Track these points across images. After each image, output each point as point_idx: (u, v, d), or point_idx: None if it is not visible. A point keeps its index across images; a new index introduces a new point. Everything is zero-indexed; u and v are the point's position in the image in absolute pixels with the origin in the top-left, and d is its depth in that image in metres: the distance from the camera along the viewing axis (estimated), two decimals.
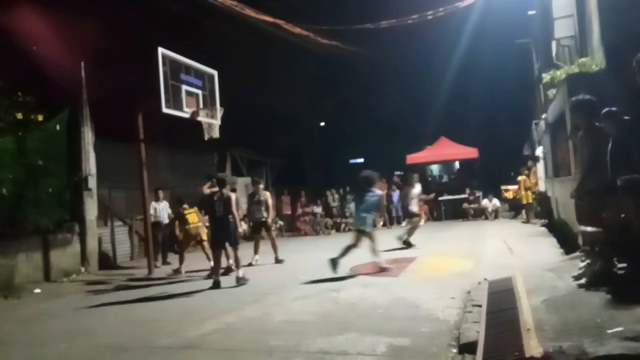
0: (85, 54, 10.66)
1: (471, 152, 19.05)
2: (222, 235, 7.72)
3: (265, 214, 9.69)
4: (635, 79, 6.02)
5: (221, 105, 10.25)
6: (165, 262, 10.60)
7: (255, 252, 9.58)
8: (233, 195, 7.99)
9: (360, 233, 7.79)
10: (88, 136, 10.61)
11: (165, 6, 12.72)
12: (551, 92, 8.81)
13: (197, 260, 9.57)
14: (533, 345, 3.32)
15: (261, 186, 10.23)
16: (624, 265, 4.69)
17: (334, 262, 7.51)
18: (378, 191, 8.18)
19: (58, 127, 9.89)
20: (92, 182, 10.60)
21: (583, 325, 3.57)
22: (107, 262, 11.04)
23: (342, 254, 7.65)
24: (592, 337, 3.28)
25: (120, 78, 11.16)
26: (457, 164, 24.13)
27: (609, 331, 3.32)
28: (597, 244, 4.82)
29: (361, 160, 29.77)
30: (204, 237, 9.37)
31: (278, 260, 9.45)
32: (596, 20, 7.17)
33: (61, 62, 10.21)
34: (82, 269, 10.14)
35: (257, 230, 9.86)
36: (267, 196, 9.89)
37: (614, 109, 4.73)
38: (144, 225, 10.00)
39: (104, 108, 11.11)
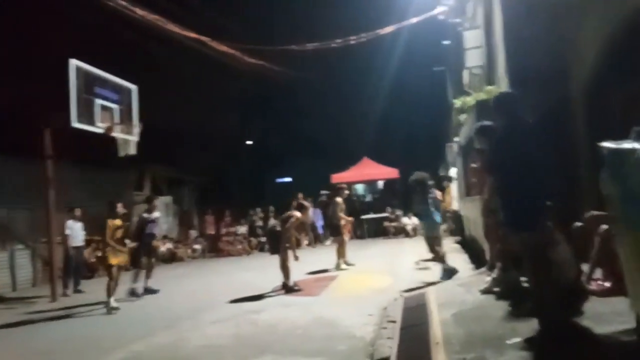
0: None
1: (392, 172, 19.76)
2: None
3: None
4: (536, 105, 6.64)
5: (141, 121, 9.82)
6: (76, 290, 9.63)
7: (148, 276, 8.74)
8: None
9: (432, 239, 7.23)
10: None
11: (83, 17, 12.09)
12: (462, 117, 9.40)
13: (101, 285, 8.98)
14: (440, 359, 3.44)
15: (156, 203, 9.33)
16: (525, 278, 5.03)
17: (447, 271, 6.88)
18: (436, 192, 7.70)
19: None
20: None
21: (486, 337, 3.75)
22: (4, 289, 10.04)
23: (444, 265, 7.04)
24: (493, 348, 3.46)
25: (26, 89, 10.40)
26: (380, 184, 24.91)
27: (508, 342, 3.52)
28: (501, 259, 5.14)
29: (289, 179, 29.88)
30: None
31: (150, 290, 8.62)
32: (502, 52, 7.78)
33: None
34: None
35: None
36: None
37: (486, 123, 5.01)
38: (49, 248, 9.22)
39: (5, 121, 10.28)
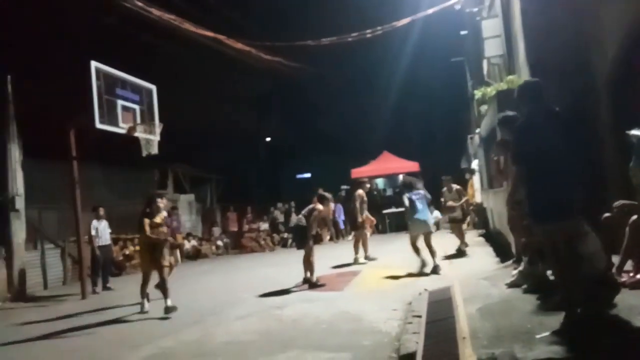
0: (13, 67, 10.08)
1: (412, 166, 19.59)
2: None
3: None
4: (558, 95, 6.49)
5: (161, 121, 9.96)
6: (105, 287, 9.83)
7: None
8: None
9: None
10: (15, 154, 9.96)
11: (101, 20, 12.30)
12: (483, 108, 9.26)
13: (129, 282, 9.14)
14: (467, 354, 3.41)
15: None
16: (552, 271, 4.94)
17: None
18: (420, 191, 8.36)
19: None
20: (20, 203, 9.94)
21: (514, 331, 3.70)
22: (36, 287, 10.34)
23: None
24: (522, 343, 3.41)
25: (51, 93, 10.64)
26: (401, 178, 24.75)
27: (537, 336, 3.47)
28: (527, 252, 5.06)
29: (308, 175, 29.94)
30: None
31: None
32: (521, 41, 7.63)
33: None
34: (8, 296, 9.43)
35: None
36: None
37: (509, 113, 4.91)
38: (78, 247, 9.44)
39: (34, 124, 10.55)
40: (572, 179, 3.69)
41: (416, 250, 8.04)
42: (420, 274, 7.58)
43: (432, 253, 7.95)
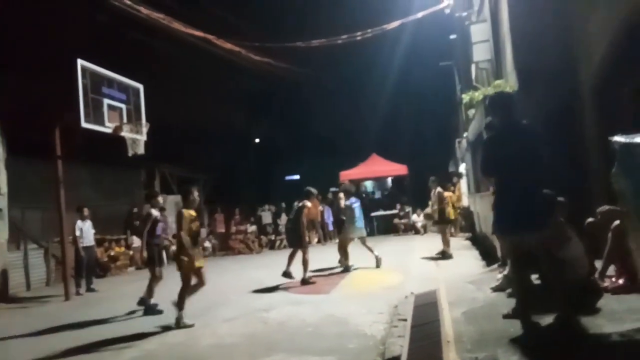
0: None
1: (401, 169, 19.69)
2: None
3: None
4: (544, 100, 6.56)
5: (149, 120, 9.86)
6: (89, 289, 9.66)
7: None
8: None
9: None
10: None
11: (89, 17, 12.17)
12: (471, 112, 9.32)
13: (114, 284, 9.06)
14: (452, 357, 3.42)
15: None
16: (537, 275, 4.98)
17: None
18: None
19: None
20: (3, 202, 9.75)
21: (498, 335, 3.72)
22: (18, 288, 10.16)
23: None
24: (505, 347, 3.43)
25: (36, 91, 10.48)
26: (389, 181, 24.84)
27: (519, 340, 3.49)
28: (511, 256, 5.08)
29: (297, 177, 29.89)
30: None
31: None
32: (509, 46, 7.70)
33: None
34: None
35: None
36: None
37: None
38: (62, 247, 9.29)
39: (19, 122, 10.37)
40: (538, 192, 3.74)
41: (345, 253, 9.11)
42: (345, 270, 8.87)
43: (370, 249, 9.19)
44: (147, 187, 16.64)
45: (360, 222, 9.27)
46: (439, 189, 10.42)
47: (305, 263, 8.09)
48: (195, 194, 6.33)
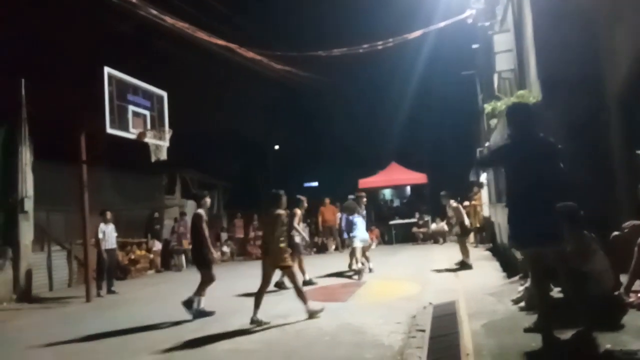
0: (26, 71, 10.22)
1: (420, 178, 19.55)
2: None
3: None
4: (569, 111, 6.47)
5: (171, 127, 10.05)
6: (110, 291, 9.81)
7: None
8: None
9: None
10: (26, 156, 10.08)
11: (115, 26, 12.47)
12: (493, 122, 9.23)
13: (134, 287, 9.18)
14: None
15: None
16: (559, 289, 4.88)
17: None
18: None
19: None
20: (29, 205, 10.03)
21: (519, 349, 3.65)
22: (42, 289, 10.39)
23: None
24: None
25: (63, 97, 10.76)
26: (408, 189, 24.68)
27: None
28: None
29: (315, 183, 29.96)
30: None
31: None
32: (533, 56, 7.62)
33: None
34: (14, 297, 9.49)
35: None
36: None
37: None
38: (84, 250, 9.49)
39: (45, 127, 10.66)
40: (552, 205, 3.72)
41: (358, 259, 9.47)
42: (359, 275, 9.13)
43: (367, 259, 9.97)
44: (168, 192, 16.88)
45: (363, 233, 9.86)
46: (453, 203, 10.36)
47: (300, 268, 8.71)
48: (208, 199, 7.25)
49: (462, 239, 9.99)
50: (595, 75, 6.63)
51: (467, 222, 10.52)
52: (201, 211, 7.05)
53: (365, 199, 10.98)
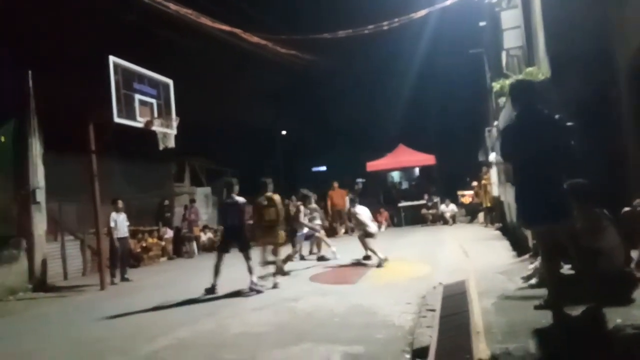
0: (32, 63, 10.25)
1: (428, 159, 19.47)
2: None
3: None
4: (579, 87, 6.37)
5: (178, 114, 10.07)
6: (123, 279, 9.95)
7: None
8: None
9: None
10: (36, 148, 10.16)
11: (118, 15, 12.43)
12: (501, 101, 9.12)
13: (147, 274, 9.31)
14: (481, 348, 3.39)
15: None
16: (569, 265, 4.87)
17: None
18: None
19: (3, 139, 9.46)
20: (41, 196, 10.15)
21: (529, 326, 3.67)
22: (56, 278, 10.57)
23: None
24: (536, 339, 3.38)
25: (70, 87, 10.80)
26: (416, 171, 24.58)
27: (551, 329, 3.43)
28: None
29: (324, 168, 29.95)
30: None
31: None
32: (541, 32, 7.48)
33: (6, 72, 9.79)
34: (30, 287, 9.67)
35: None
36: None
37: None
38: (97, 239, 9.62)
39: (54, 118, 10.73)
40: (560, 182, 3.70)
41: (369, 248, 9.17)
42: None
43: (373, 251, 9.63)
44: (178, 179, 16.97)
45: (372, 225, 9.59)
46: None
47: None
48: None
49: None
50: (605, 51, 6.50)
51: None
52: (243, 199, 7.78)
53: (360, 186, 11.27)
